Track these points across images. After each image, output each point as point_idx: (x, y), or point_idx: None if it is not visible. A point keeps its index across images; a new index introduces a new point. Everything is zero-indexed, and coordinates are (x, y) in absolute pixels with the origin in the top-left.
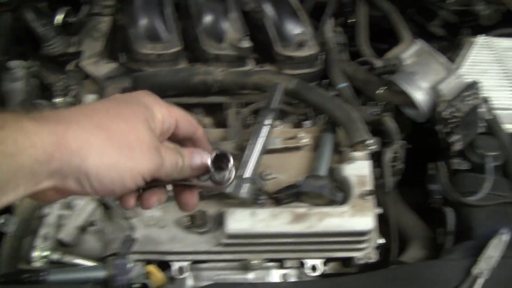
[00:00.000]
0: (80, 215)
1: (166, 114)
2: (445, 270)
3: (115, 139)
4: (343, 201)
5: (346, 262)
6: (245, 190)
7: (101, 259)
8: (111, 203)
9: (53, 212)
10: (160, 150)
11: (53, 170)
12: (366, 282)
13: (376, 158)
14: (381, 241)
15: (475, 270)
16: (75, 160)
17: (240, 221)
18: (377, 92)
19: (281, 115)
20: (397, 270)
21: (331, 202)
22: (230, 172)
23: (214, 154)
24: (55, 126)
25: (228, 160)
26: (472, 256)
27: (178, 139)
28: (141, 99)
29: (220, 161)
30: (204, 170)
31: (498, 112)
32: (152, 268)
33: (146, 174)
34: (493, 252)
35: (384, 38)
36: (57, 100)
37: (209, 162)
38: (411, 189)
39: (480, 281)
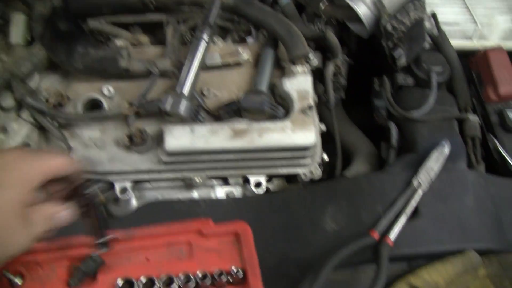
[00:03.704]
0: (14, 139)
1: (39, 173)
2: (386, 182)
3: None
4: (284, 116)
5: (291, 179)
6: (183, 107)
7: None
8: (48, 124)
9: None
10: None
11: None
12: (308, 196)
13: (319, 75)
14: (326, 158)
15: (415, 181)
16: None
17: (179, 138)
18: (320, 6)
19: (222, 33)
20: (339, 184)
21: (272, 118)
22: None
23: None
24: None
25: None
26: (413, 168)
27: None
28: (12, 165)
29: None
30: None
31: (445, 27)
32: None
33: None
34: (433, 164)
35: None
36: None
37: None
38: (357, 107)
39: (419, 192)
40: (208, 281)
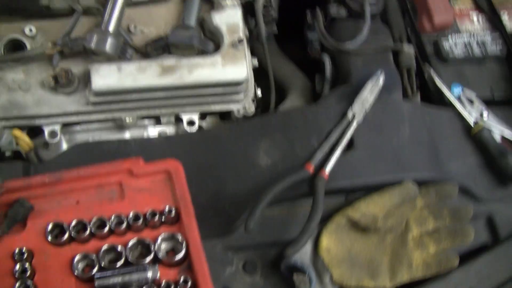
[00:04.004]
0: None
1: None
2: (320, 114)
3: None
4: (214, 51)
5: (225, 116)
6: (109, 45)
7: None
8: None
9: None
10: None
11: None
12: (240, 131)
13: (250, 9)
14: (259, 93)
15: (350, 113)
16: None
17: (106, 77)
18: None
19: None
20: (272, 118)
21: (202, 53)
22: None
23: None
24: None
25: None
26: (348, 99)
27: None
28: None
29: None
30: None
31: None
32: (17, 133)
33: None
34: (368, 94)
35: None
36: None
37: None
38: (290, 42)
39: (354, 124)
40: (140, 222)
